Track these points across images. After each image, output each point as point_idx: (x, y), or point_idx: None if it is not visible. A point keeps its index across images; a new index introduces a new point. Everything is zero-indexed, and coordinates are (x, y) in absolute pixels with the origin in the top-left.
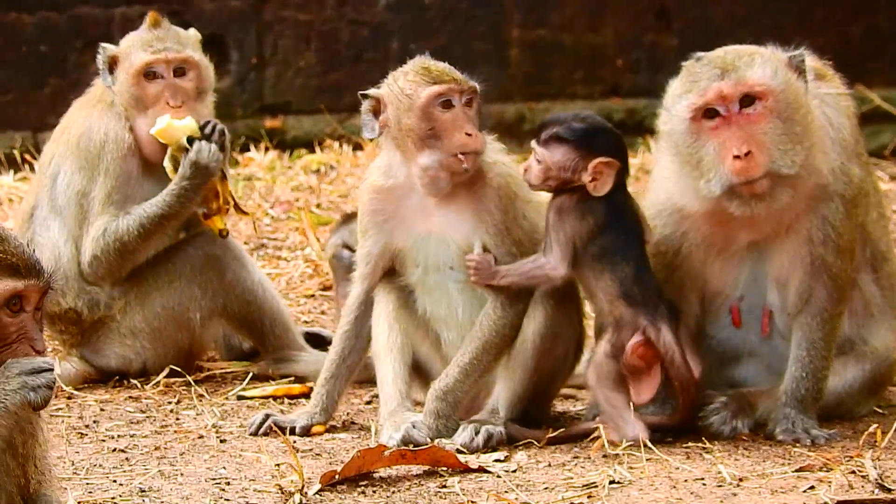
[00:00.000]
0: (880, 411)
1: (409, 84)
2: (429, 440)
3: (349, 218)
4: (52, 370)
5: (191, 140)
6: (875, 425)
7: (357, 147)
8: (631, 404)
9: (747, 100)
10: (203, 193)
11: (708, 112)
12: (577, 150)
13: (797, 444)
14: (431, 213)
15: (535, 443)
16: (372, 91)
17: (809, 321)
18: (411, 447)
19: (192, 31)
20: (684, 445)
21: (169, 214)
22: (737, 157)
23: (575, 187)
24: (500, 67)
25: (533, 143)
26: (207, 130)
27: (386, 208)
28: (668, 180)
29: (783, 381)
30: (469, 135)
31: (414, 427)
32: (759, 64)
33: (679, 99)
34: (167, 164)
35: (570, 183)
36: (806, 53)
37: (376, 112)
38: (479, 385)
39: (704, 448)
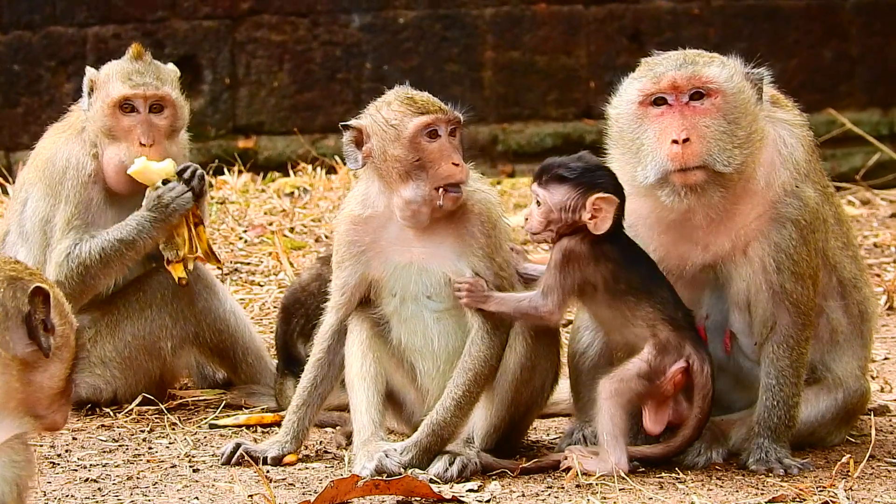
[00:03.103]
0: (853, 441)
1: (394, 114)
2: (402, 470)
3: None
4: None
5: (167, 182)
6: (848, 455)
7: (330, 170)
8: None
9: (697, 94)
10: (166, 232)
11: (657, 100)
12: (576, 188)
13: (770, 474)
14: (412, 243)
15: (509, 473)
16: (353, 122)
17: (776, 349)
18: (385, 477)
19: (172, 68)
20: (657, 476)
21: (128, 242)
22: (675, 141)
23: (578, 229)
24: (473, 89)
25: (533, 188)
26: (186, 175)
27: (363, 239)
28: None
29: (755, 410)
30: (455, 164)
31: (387, 456)
32: (717, 65)
33: (632, 83)
34: None
35: (572, 225)
36: (765, 74)
37: (358, 142)
38: (468, 417)
39: (678, 478)
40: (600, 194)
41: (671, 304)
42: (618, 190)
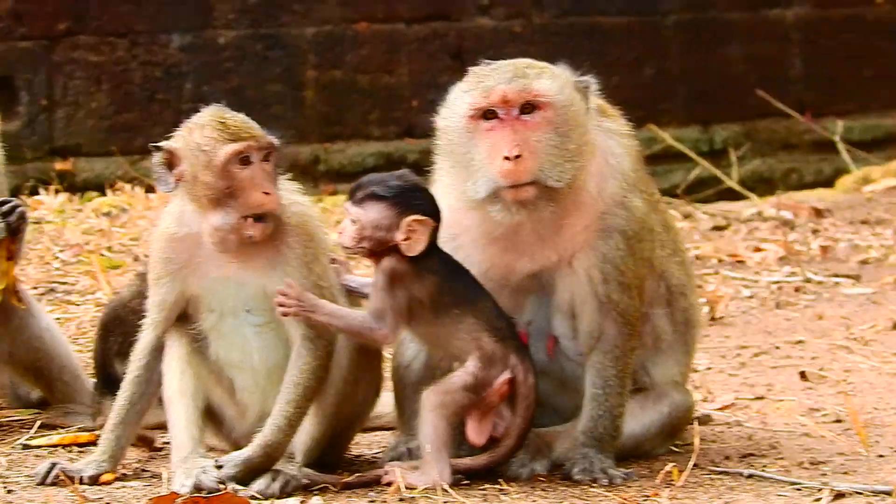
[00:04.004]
0: (676, 450)
1: (206, 140)
2: (221, 486)
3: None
4: None
5: None
6: (672, 464)
7: (149, 189)
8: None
9: (528, 107)
10: None
11: (487, 113)
12: (392, 208)
13: (595, 484)
14: (228, 258)
15: (332, 487)
16: (164, 144)
17: (602, 359)
18: (205, 494)
19: None
20: (481, 488)
21: None
22: (507, 158)
23: (392, 249)
24: (295, 108)
25: (346, 205)
26: (4, 209)
27: (179, 256)
28: (445, 195)
29: (579, 420)
30: (267, 193)
31: (204, 473)
32: (548, 77)
33: (462, 96)
34: None
35: (385, 244)
36: (591, 82)
37: (170, 164)
38: (297, 431)
39: (502, 490)
40: (416, 216)
41: (494, 315)
42: (434, 212)
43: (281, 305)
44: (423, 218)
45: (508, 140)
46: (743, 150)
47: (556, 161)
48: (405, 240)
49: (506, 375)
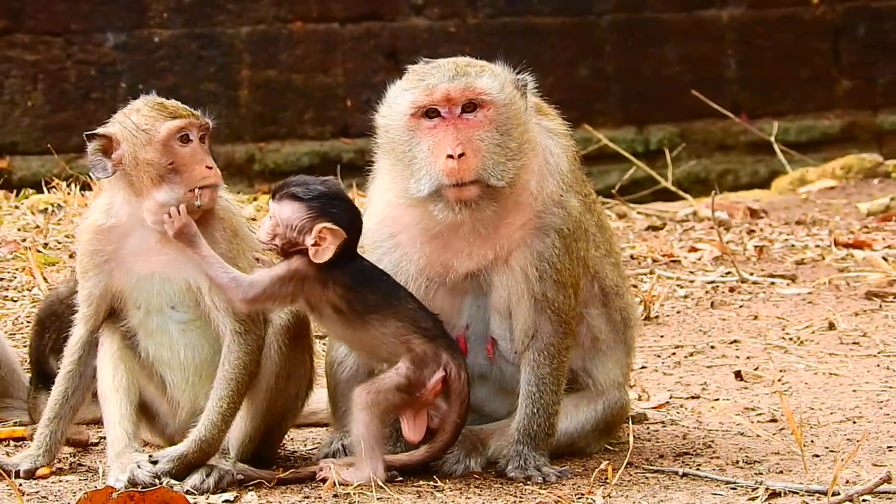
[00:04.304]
0: (611, 448)
1: (145, 119)
2: (156, 481)
3: None
4: None
5: None
6: (606, 462)
7: (85, 187)
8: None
9: (470, 106)
10: None
11: (430, 112)
12: (307, 211)
13: (529, 482)
14: (154, 253)
15: (266, 483)
16: (101, 129)
17: (537, 357)
18: (140, 489)
19: None
20: (415, 485)
21: None
22: (450, 156)
23: (303, 251)
24: (229, 108)
25: (269, 201)
26: None
27: (106, 248)
28: (385, 192)
29: (514, 418)
30: (209, 168)
31: (139, 467)
32: (489, 75)
33: (403, 94)
34: None
35: (296, 245)
36: (528, 81)
37: (106, 151)
38: (230, 426)
39: (436, 486)
40: (329, 224)
41: (420, 316)
42: (350, 225)
43: (166, 221)
44: (335, 228)
45: (451, 138)
46: (678, 150)
47: (499, 160)
48: (314, 245)
49: (439, 374)
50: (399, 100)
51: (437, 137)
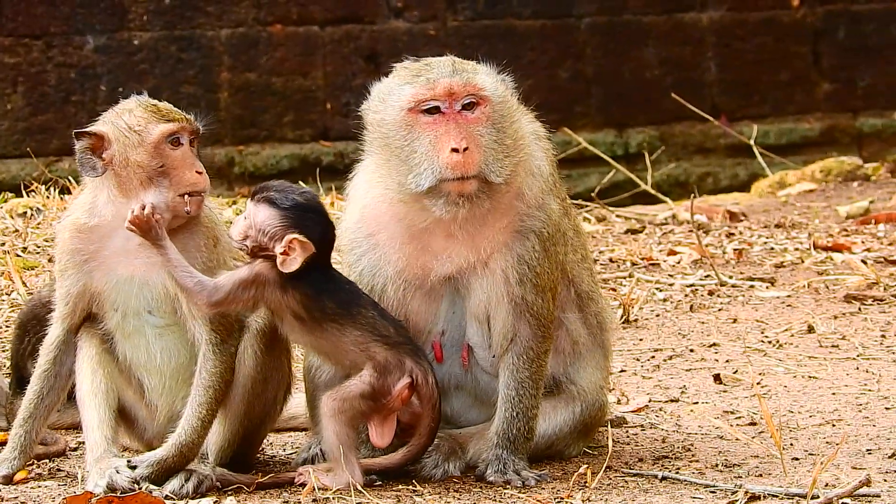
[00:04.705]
0: (590, 452)
1: (137, 120)
2: (135, 486)
3: None
4: None
5: None
6: (585, 466)
7: (65, 191)
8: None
9: (469, 102)
10: None
11: (430, 108)
12: (280, 219)
13: (508, 486)
14: (135, 255)
15: (245, 488)
16: (92, 128)
17: (516, 360)
18: (119, 494)
19: None
20: (394, 489)
21: None
22: (455, 150)
23: (270, 257)
24: (209, 110)
25: (247, 200)
26: None
27: (87, 248)
28: (367, 191)
29: (493, 422)
30: (199, 173)
31: (118, 472)
32: (484, 73)
33: (400, 88)
34: None
35: (264, 250)
36: (509, 82)
37: (95, 150)
38: (208, 433)
39: (415, 491)
40: (299, 236)
41: (380, 323)
42: (322, 240)
43: (133, 223)
44: (305, 241)
45: (455, 133)
46: (658, 153)
47: (498, 156)
48: (282, 254)
49: (405, 381)
50: (395, 94)
51: (438, 132)
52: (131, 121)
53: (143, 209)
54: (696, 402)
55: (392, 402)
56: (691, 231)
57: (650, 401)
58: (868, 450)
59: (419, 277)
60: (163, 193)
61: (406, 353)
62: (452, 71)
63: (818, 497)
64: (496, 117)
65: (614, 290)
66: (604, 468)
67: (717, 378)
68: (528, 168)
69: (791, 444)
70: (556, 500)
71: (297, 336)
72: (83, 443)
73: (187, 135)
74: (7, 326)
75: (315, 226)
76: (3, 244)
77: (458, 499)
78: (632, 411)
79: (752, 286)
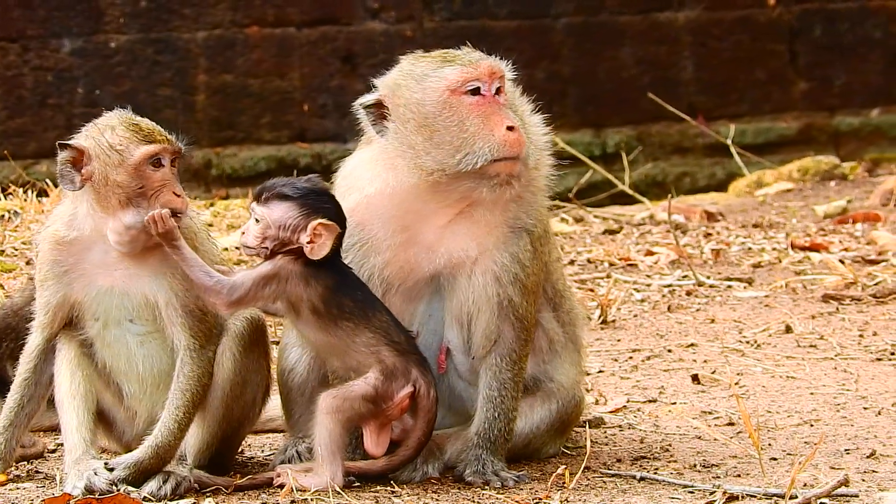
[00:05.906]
0: (568, 452)
1: (119, 140)
2: (113, 488)
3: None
4: None
5: None
6: (563, 466)
7: (42, 193)
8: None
9: (498, 88)
10: None
11: (473, 88)
12: (299, 209)
13: (487, 487)
14: (114, 267)
15: (224, 490)
16: (74, 142)
17: (499, 361)
18: (97, 496)
19: None
20: (373, 490)
21: None
22: (510, 128)
23: (293, 251)
24: (186, 113)
25: (252, 206)
26: None
27: (66, 260)
28: (370, 182)
29: (473, 422)
30: (177, 195)
31: (96, 474)
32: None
33: (439, 70)
34: None
35: (288, 245)
36: None
37: (76, 163)
38: (185, 435)
39: (394, 492)
40: (323, 220)
41: (393, 329)
42: (340, 219)
43: (151, 223)
44: (330, 223)
45: (504, 113)
46: (635, 153)
47: (530, 141)
48: (309, 243)
49: (408, 389)
50: (434, 76)
51: (486, 111)
52: (113, 139)
53: (161, 216)
54: (675, 403)
55: (391, 409)
56: (669, 231)
57: (628, 401)
58: (846, 450)
59: (402, 276)
60: (141, 214)
61: (414, 362)
62: (481, 55)
63: (796, 497)
64: (514, 105)
65: (592, 290)
66: (582, 469)
67: (695, 378)
68: (535, 161)
69: (769, 445)
70: (535, 500)
71: (310, 332)
72: (61, 445)
73: (168, 156)
74: None
75: (332, 208)
76: None
77: (437, 500)
78: (610, 412)
79: (729, 286)
